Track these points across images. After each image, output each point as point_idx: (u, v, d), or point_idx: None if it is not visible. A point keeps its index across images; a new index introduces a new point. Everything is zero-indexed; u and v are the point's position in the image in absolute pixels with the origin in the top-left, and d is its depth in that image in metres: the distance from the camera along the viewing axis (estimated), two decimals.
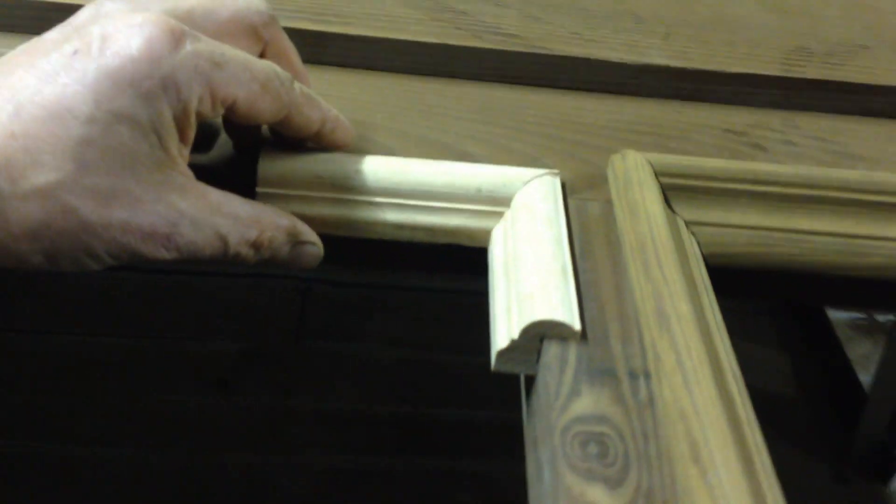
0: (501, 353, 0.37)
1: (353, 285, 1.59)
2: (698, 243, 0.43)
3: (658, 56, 0.52)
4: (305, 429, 1.38)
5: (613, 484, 0.31)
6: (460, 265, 0.45)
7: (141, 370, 1.32)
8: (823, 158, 0.49)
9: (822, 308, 1.69)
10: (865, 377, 1.60)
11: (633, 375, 0.35)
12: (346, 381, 1.46)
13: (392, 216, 0.43)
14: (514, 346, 0.36)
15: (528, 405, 0.37)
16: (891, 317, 1.73)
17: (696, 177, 0.43)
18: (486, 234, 0.43)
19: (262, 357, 1.40)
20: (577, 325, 0.36)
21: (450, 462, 1.34)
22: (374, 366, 1.48)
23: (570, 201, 0.43)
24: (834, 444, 1.48)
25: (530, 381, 0.37)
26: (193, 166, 0.38)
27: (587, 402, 0.34)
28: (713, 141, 0.49)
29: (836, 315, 1.77)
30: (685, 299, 0.36)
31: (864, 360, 1.71)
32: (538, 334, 0.36)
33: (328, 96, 0.49)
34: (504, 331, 0.37)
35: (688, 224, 0.43)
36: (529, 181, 0.43)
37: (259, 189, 0.42)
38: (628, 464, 0.32)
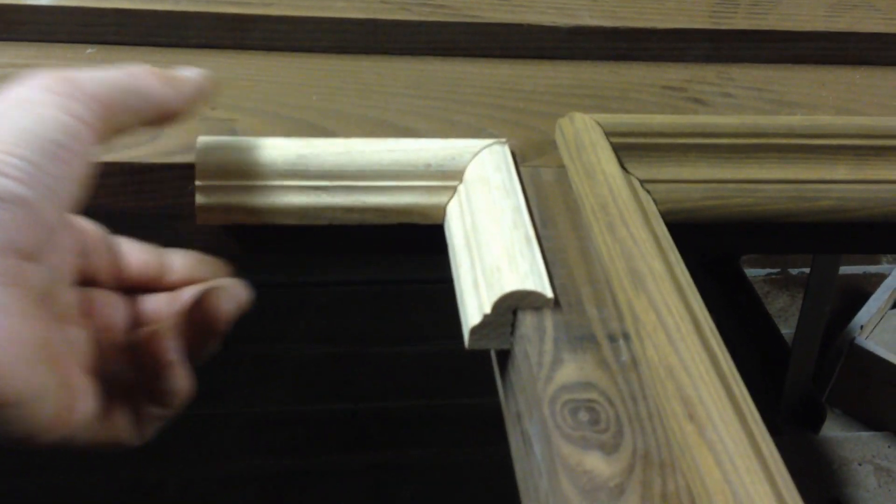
0: (474, 330, 0.35)
1: (275, 286, 1.56)
2: (654, 201, 0.42)
3: (589, 17, 0.51)
4: (241, 435, 1.34)
5: (609, 449, 0.30)
6: (410, 247, 0.44)
7: None
8: (762, 108, 0.49)
9: (738, 264, 1.73)
10: (786, 330, 1.65)
11: (612, 338, 0.34)
12: (278, 383, 1.43)
13: (340, 200, 0.41)
14: (486, 322, 0.35)
15: (506, 380, 0.36)
16: (805, 270, 1.78)
17: (646, 134, 0.43)
18: (440, 211, 0.42)
19: (190, 366, 1.36)
20: (549, 293, 0.35)
21: (391, 455, 1.33)
22: (307, 365, 1.46)
23: (521, 169, 0.42)
24: (762, 396, 1.52)
25: (504, 355, 0.36)
26: None
27: (571, 370, 0.33)
28: (653, 99, 0.49)
29: (752, 271, 1.82)
30: (656, 256, 0.35)
31: (783, 313, 1.76)
32: (511, 306, 0.35)
33: (255, 81, 0.47)
34: (475, 307, 0.36)
35: (642, 182, 0.42)
36: (479, 152, 0.42)
37: (198, 182, 0.40)
38: (621, 428, 0.31)
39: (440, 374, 1.43)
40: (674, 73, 0.51)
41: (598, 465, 0.29)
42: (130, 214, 0.42)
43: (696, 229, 0.43)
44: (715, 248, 0.45)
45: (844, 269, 1.73)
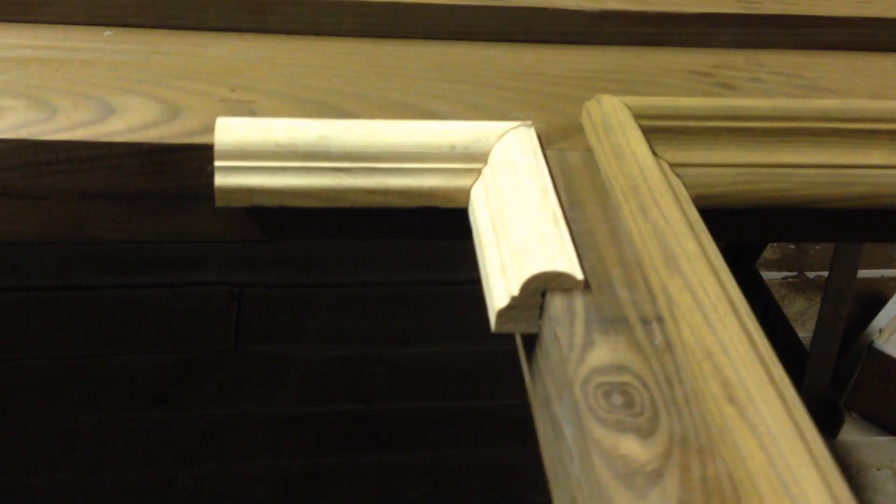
0: (501, 313, 0.34)
1: (287, 286, 1.55)
2: (684, 185, 0.41)
3: (615, 1, 0.50)
4: (253, 435, 1.34)
5: (645, 433, 0.29)
6: (433, 231, 0.43)
7: (73, 392, 1.27)
8: (793, 93, 0.48)
9: (754, 267, 1.71)
10: (803, 334, 1.63)
11: (645, 321, 0.33)
12: (290, 383, 1.42)
13: (362, 182, 0.40)
14: (514, 304, 0.34)
15: (534, 364, 0.35)
16: (822, 273, 1.76)
17: (676, 117, 0.42)
18: (464, 194, 0.41)
19: (201, 366, 1.36)
20: (579, 275, 0.34)
21: (403, 455, 1.32)
22: (319, 365, 1.45)
23: (547, 153, 0.41)
24: None
25: (531, 340, 0.35)
26: None
27: (603, 352, 0.32)
28: (681, 83, 0.48)
29: (769, 274, 1.80)
30: (690, 237, 0.34)
31: (800, 317, 1.74)
32: (539, 288, 0.34)
33: (275, 64, 0.46)
34: (501, 289, 0.35)
35: (672, 166, 0.41)
36: (504, 134, 0.41)
37: (217, 163, 0.39)
38: (657, 411, 0.30)
39: (451, 375, 1.42)
40: (702, 59, 0.50)
41: (633, 448, 0.28)
42: (148, 196, 0.41)
43: (725, 215, 0.42)
44: (744, 235, 0.43)
45: (862, 273, 1.71)
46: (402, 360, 1.46)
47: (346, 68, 0.46)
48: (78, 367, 1.28)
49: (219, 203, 0.40)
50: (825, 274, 1.39)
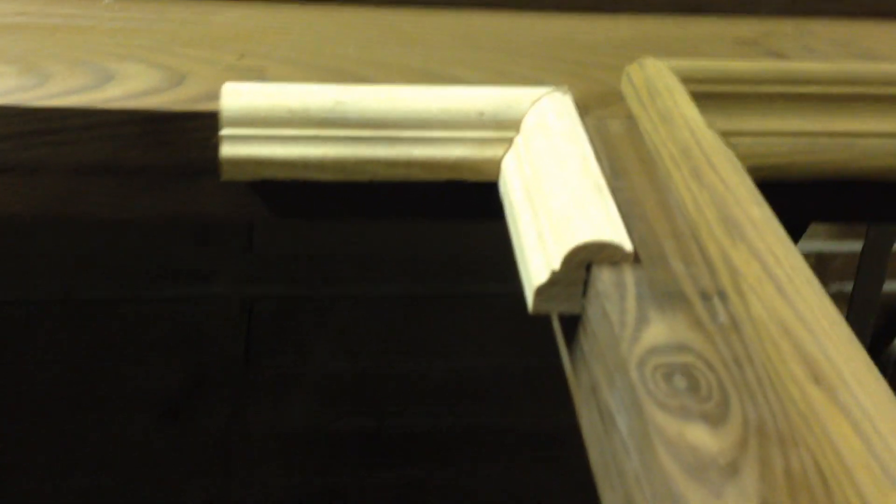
0: (540, 290, 0.30)
1: (299, 298, 1.51)
2: (738, 156, 0.37)
3: None
4: (264, 452, 1.30)
5: (715, 420, 0.25)
6: (459, 209, 0.39)
7: (84, 406, 1.24)
8: (850, 62, 0.44)
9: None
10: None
11: (705, 296, 0.29)
12: (302, 399, 1.38)
13: (383, 152, 0.36)
14: (555, 280, 0.30)
15: (576, 349, 0.31)
16: (845, 286, 1.72)
17: (727, 81, 0.38)
18: (494, 166, 0.37)
19: (212, 381, 1.32)
20: (628, 246, 0.30)
21: (417, 473, 1.28)
22: (331, 380, 1.41)
23: (586, 121, 0.37)
24: None
25: (573, 322, 0.31)
26: None
27: (660, 330, 0.28)
28: (726, 52, 0.44)
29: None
30: (753, 202, 0.30)
31: None
32: (584, 261, 0.30)
33: (288, 32, 0.42)
34: (540, 263, 0.31)
35: (724, 135, 0.37)
36: (538, 99, 0.37)
37: (223, 131, 0.35)
38: (727, 396, 0.26)
39: (466, 391, 1.38)
40: (747, 27, 0.46)
41: (703, 438, 0.24)
42: (148, 170, 0.37)
43: (781, 189, 0.38)
44: (803, 212, 0.39)
45: (888, 286, 1.66)
46: (417, 375, 1.42)
47: (363, 36, 0.42)
48: (84, 383, 1.25)
49: (225, 176, 0.36)
50: (847, 286, 1.35)
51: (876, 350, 1.39)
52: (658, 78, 0.37)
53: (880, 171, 0.38)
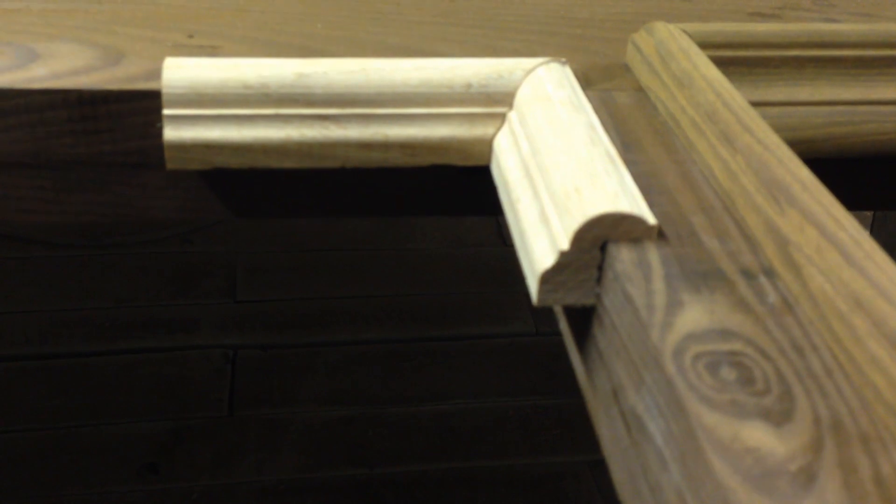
0: (546, 278, 0.25)
1: (282, 346, 1.45)
2: None
3: None
4: None
5: (778, 418, 0.19)
6: (444, 202, 0.34)
7: (58, 465, 1.17)
8: None
9: None
10: None
11: (748, 275, 0.24)
12: (289, 449, 1.32)
13: (355, 133, 0.31)
14: (564, 263, 0.25)
15: (590, 348, 0.26)
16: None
17: (750, 45, 0.33)
18: (485, 146, 0.32)
19: (194, 434, 1.26)
20: (650, 219, 0.25)
21: None
22: (319, 428, 1.35)
23: (589, 94, 0.32)
24: None
25: (586, 316, 0.26)
26: None
27: (698, 314, 0.22)
28: None
29: None
30: (800, 164, 0.25)
31: None
32: (598, 238, 0.25)
33: (245, 11, 0.37)
34: (545, 245, 0.25)
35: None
36: (533, 69, 0.32)
37: (166, 111, 0.30)
38: (789, 388, 0.20)
39: (458, 435, 1.32)
40: (762, 1, 0.41)
41: (766, 439, 0.19)
42: (82, 162, 0.32)
43: (818, 167, 0.33)
44: (849, 197, 0.34)
45: None
46: (407, 420, 1.36)
47: (333, 14, 0.37)
48: (63, 439, 1.18)
49: (170, 165, 0.31)
50: None
51: None
52: (671, 41, 0.32)
53: None
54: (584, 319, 0.26)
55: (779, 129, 0.32)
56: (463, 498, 1.25)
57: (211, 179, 0.32)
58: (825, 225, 0.22)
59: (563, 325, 0.28)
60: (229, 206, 0.33)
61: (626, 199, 0.25)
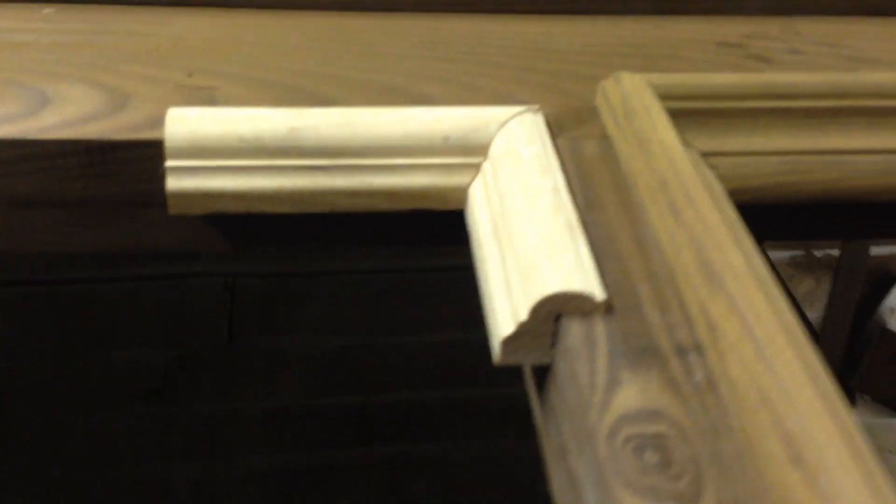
0: (507, 342, 0.28)
1: (281, 275, 1.49)
2: (719, 178, 0.35)
3: None
4: (250, 431, 1.29)
5: (687, 502, 0.23)
6: (426, 237, 0.37)
7: (64, 391, 1.22)
8: (838, 65, 0.41)
9: (762, 247, 1.64)
10: (812, 314, 1.57)
11: (681, 351, 0.27)
12: (288, 377, 1.37)
13: (343, 182, 0.34)
14: (522, 331, 0.28)
15: (546, 403, 0.29)
16: (830, 251, 1.70)
17: (709, 97, 0.36)
18: (461, 193, 0.35)
19: (195, 361, 1.31)
20: (600, 295, 0.28)
21: (405, 448, 1.27)
22: (317, 357, 1.40)
23: (558, 142, 0.35)
24: None
25: (543, 371, 0.29)
26: None
27: (633, 394, 0.26)
28: (708, 57, 0.41)
29: (775, 254, 1.74)
30: (734, 246, 0.28)
31: (809, 297, 1.68)
32: (552, 312, 0.28)
33: (241, 44, 0.40)
34: (507, 313, 0.29)
35: (704, 156, 0.35)
36: (506, 122, 0.35)
37: (169, 163, 0.33)
38: (700, 473, 0.24)
39: (454, 364, 1.37)
40: (731, 28, 0.44)
41: None
42: (91, 202, 0.35)
43: (766, 211, 0.36)
44: (787, 234, 0.37)
45: (874, 251, 1.65)
46: (403, 350, 1.41)
47: (323, 47, 0.40)
48: (68, 365, 1.23)
49: (172, 211, 0.34)
50: (833, 252, 1.33)
51: (863, 315, 1.38)
52: (634, 95, 0.35)
53: (870, 191, 0.36)
54: (542, 374, 0.29)
55: (731, 178, 0.35)
56: (457, 426, 1.30)
57: (210, 218, 0.35)
58: (746, 317, 0.26)
59: (527, 371, 0.31)
60: (228, 240, 0.36)
61: (579, 276, 0.28)
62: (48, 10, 0.41)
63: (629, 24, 0.44)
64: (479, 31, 0.42)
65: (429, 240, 0.37)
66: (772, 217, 0.36)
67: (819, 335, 1.40)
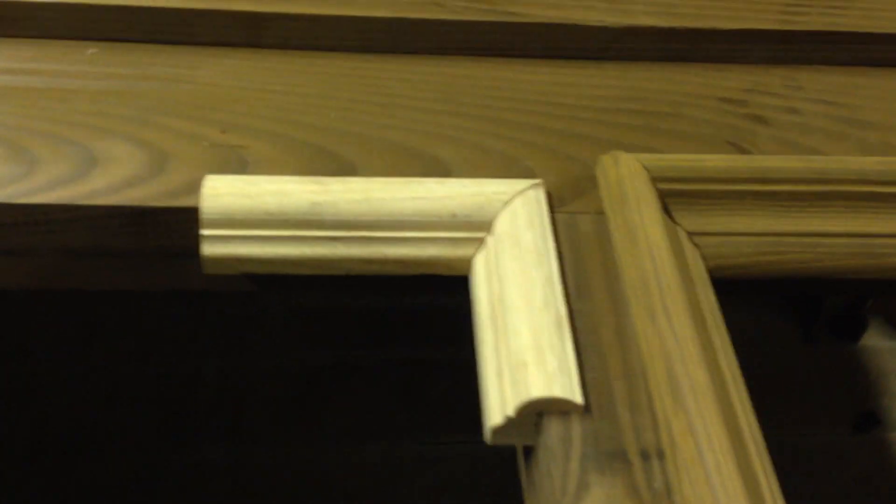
0: (497, 430, 0.33)
1: None
2: (702, 257, 0.38)
3: (643, 14, 0.45)
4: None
5: None
6: (433, 291, 0.41)
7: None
8: (831, 128, 0.44)
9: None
10: None
11: (645, 456, 0.31)
12: (267, 334, 1.40)
13: (358, 251, 0.38)
14: (510, 424, 0.32)
15: (530, 479, 0.34)
16: None
17: (698, 180, 0.38)
18: (466, 263, 0.38)
19: None
20: (579, 399, 0.32)
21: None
22: (295, 313, 1.43)
23: (557, 216, 0.38)
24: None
25: (529, 449, 0.34)
26: None
27: (598, 499, 0.30)
28: (709, 116, 0.44)
29: None
30: (699, 361, 0.32)
31: None
32: (535, 410, 0.32)
33: (269, 92, 0.43)
34: (497, 404, 0.33)
35: (690, 235, 0.38)
36: (510, 201, 0.38)
37: (204, 232, 0.37)
38: None
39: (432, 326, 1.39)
40: (734, 80, 0.46)
41: None
42: (132, 253, 0.39)
43: (743, 283, 0.39)
44: (759, 296, 0.41)
45: None
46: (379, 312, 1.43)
47: (345, 97, 0.43)
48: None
49: (206, 271, 0.38)
50: None
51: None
52: (629, 179, 0.38)
53: (841, 271, 0.39)
54: (528, 451, 0.34)
55: (713, 258, 0.38)
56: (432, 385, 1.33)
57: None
58: (700, 441, 0.30)
59: (518, 448, 0.35)
60: (257, 284, 0.40)
61: (562, 380, 0.32)
62: (92, 50, 0.43)
63: (637, 72, 0.46)
64: (492, 79, 0.44)
65: (438, 294, 0.40)
66: (748, 286, 0.40)
67: None
